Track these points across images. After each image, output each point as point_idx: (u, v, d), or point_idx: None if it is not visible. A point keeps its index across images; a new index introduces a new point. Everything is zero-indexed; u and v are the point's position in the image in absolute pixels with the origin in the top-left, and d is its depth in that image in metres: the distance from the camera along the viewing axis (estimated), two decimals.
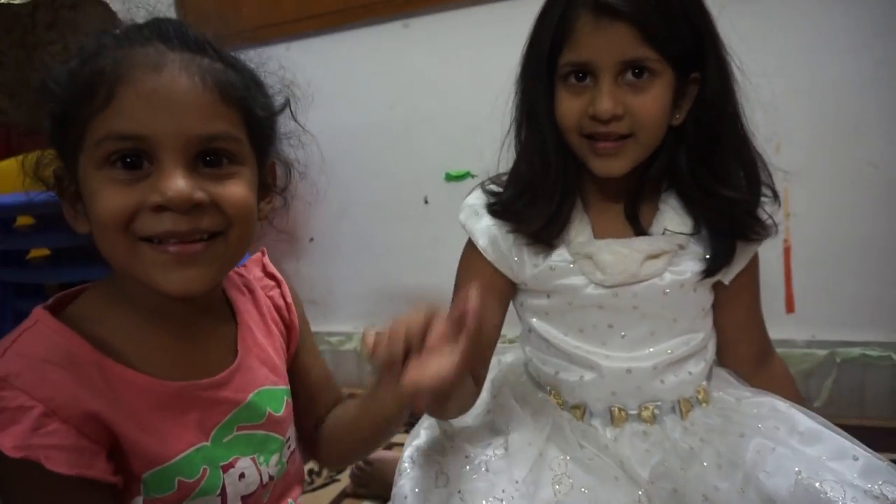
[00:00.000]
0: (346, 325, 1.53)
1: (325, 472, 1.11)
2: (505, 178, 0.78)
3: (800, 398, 0.78)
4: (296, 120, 0.62)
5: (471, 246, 0.78)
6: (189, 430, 0.54)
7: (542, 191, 0.73)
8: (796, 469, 0.67)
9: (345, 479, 1.06)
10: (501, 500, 0.67)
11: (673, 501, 0.68)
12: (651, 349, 0.74)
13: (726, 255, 0.74)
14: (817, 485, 0.66)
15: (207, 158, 0.50)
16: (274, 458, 0.60)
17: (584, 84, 0.69)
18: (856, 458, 0.69)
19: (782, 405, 0.77)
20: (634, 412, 0.73)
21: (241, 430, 0.57)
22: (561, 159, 0.72)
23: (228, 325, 0.61)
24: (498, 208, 0.76)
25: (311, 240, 1.52)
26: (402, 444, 0.80)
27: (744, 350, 0.81)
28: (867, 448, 0.70)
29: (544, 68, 0.71)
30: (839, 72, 1.11)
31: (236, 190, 0.51)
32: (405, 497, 0.70)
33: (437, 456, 0.75)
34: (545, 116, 0.71)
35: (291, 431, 0.64)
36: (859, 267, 1.14)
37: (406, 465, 0.75)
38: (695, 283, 0.74)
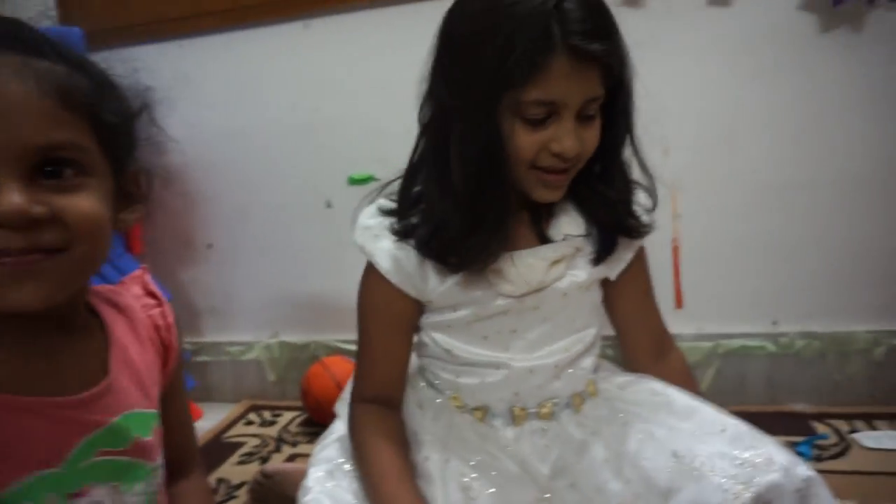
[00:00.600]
0: (248, 334, 1.48)
1: (222, 488, 1.07)
2: (393, 196, 0.76)
3: (698, 389, 0.82)
4: (156, 125, 0.57)
5: (372, 270, 0.75)
6: (35, 454, 0.49)
7: (484, 223, 0.70)
8: (673, 450, 0.72)
9: (244, 494, 1.03)
10: None
11: (572, 496, 0.71)
12: (551, 348, 0.76)
13: (608, 248, 0.77)
14: (691, 461, 0.71)
15: (48, 169, 0.46)
16: (138, 487, 0.56)
17: (544, 119, 0.67)
18: (723, 430, 0.75)
19: (659, 386, 0.81)
20: (534, 410, 0.75)
21: (102, 456, 0.53)
22: (505, 191, 0.70)
23: (94, 342, 0.56)
24: (424, 244, 0.72)
25: (209, 246, 1.46)
26: (305, 455, 0.79)
27: (640, 343, 0.84)
28: (734, 416, 0.76)
29: (496, 99, 0.67)
30: (722, 78, 1.20)
31: (82, 203, 0.47)
32: None
33: (348, 466, 0.74)
34: (492, 148, 0.67)
35: (162, 459, 0.60)
36: (740, 264, 1.23)
37: (319, 475, 0.73)
38: (589, 282, 0.77)
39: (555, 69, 0.64)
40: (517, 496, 0.69)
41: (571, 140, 0.67)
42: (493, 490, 0.69)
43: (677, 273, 1.24)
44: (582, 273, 0.77)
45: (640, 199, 0.78)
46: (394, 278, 0.73)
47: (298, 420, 1.34)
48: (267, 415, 1.38)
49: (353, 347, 1.39)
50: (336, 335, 1.41)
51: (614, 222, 0.77)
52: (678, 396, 0.80)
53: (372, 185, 1.30)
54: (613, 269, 0.80)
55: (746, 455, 0.71)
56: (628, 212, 0.78)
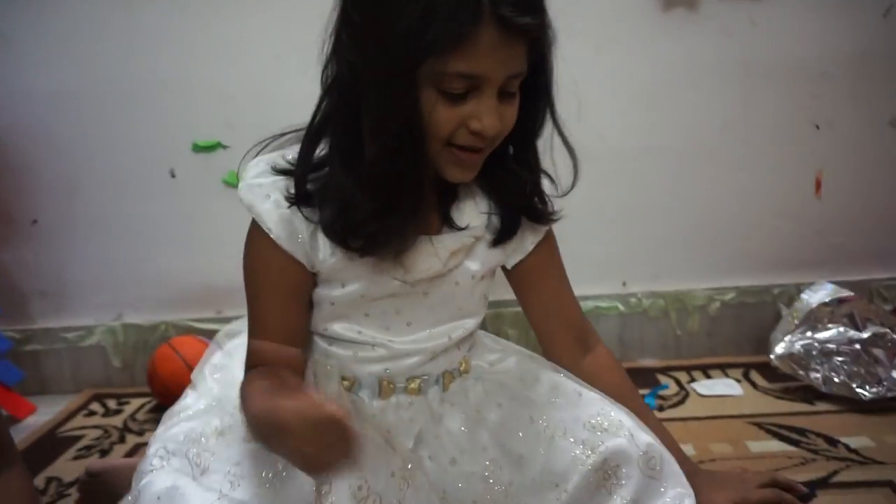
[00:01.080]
0: (87, 317, 1.34)
1: (52, 488, 0.97)
2: (292, 157, 0.68)
3: (629, 384, 0.83)
4: None
5: (259, 233, 0.67)
6: None
7: (398, 207, 0.64)
8: (529, 416, 0.74)
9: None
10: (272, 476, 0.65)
11: (431, 466, 0.71)
12: (432, 331, 0.74)
13: (511, 231, 0.75)
14: (544, 427, 0.73)
15: None
16: None
17: (464, 94, 0.62)
18: (579, 395, 0.78)
19: (523, 358, 0.83)
20: (402, 385, 0.73)
21: None
22: (421, 171, 0.65)
23: None
24: (329, 226, 0.66)
25: (35, 222, 1.30)
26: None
27: (561, 339, 0.82)
28: (585, 384, 0.79)
29: (415, 67, 0.60)
30: (570, 50, 1.22)
31: None
32: (157, 497, 0.62)
33: (196, 449, 0.68)
34: (412, 122, 0.62)
35: None
36: (593, 229, 1.28)
37: (157, 460, 0.67)
38: (483, 272, 0.75)
39: (481, 41, 0.59)
40: (381, 466, 0.67)
41: (492, 118, 0.63)
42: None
43: None
44: (476, 263, 0.74)
45: (545, 185, 0.76)
46: (285, 244, 0.67)
47: (148, 407, 1.24)
48: (112, 404, 1.27)
49: (207, 326, 1.32)
50: (188, 314, 1.32)
51: (523, 205, 0.74)
52: (534, 367, 0.81)
53: (219, 153, 1.25)
54: (512, 257, 0.78)
55: (596, 420, 0.74)
56: (539, 195, 0.75)
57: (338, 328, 0.72)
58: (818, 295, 1.20)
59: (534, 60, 0.65)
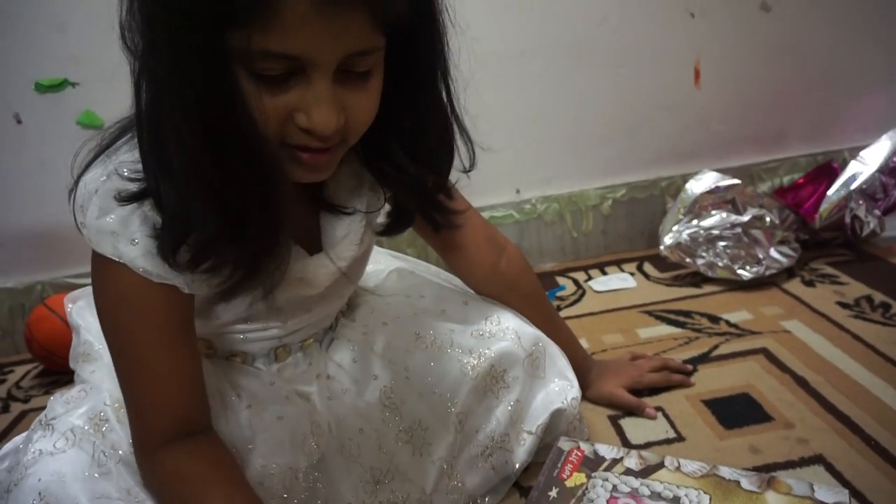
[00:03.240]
0: None
1: None
2: (128, 169, 0.52)
3: (539, 282, 0.84)
4: None
5: (118, 270, 0.53)
6: None
7: (255, 221, 0.51)
8: (414, 332, 0.73)
9: None
10: None
11: (329, 405, 0.69)
12: (327, 308, 0.70)
13: (401, 226, 0.66)
14: (431, 340, 0.72)
15: None
16: None
17: (285, 77, 0.47)
18: (465, 303, 0.78)
19: (404, 274, 0.82)
20: (297, 346, 0.70)
21: None
22: (269, 174, 0.50)
23: None
24: (169, 253, 0.51)
25: None
26: (40, 409, 0.65)
27: (471, 251, 0.77)
28: (473, 293, 0.79)
29: (217, 39, 0.45)
30: None
31: None
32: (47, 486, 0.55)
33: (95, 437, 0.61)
34: (222, 115, 0.46)
35: None
36: (483, 139, 1.25)
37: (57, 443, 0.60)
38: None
39: (290, 9, 0.44)
40: (292, 416, 0.65)
41: (325, 111, 0.48)
42: (272, 417, 0.64)
43: None
44: (366, 244, 0.68)
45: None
46: (155, 277, 0.53)
47: (33, 374, 1.17)
48: None
49: (86, 281, 1.24)
50: (65, 270, 1.22)
51: (416, 201, 0.64)
52: (421, 281, 0.80)
53: (68, 92, 1.14)
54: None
55: (482, 327, 0.74)
56: (433, 197, 0.64)
57: (223, 321, 0.63)
58: (701, 183, 1.23)
59: (398, 25, 0.50)
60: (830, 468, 0.68)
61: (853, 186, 1.20)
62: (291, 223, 0.55)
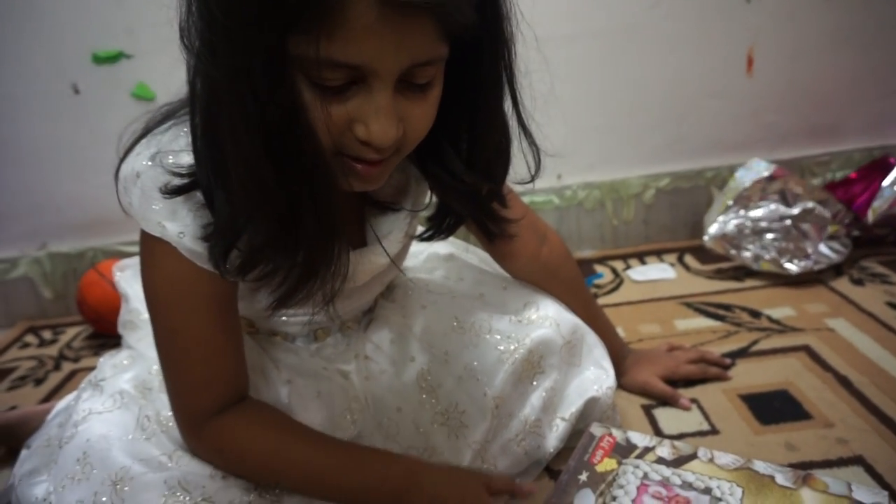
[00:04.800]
0: (10, 249, 1.29)
1: None
2: (174, 158, 0.52)
3: (579, 270, 0.83)
4: None
5: (168, 250, 0.53)
6: None
7: (310, 229, 0.50)
8: (454, 315, 0.73)
9: None
10: None
11: (365, 386, 0.70)
12: (367, 297, 0.71)
13: (450, 230, 0.65)
14: (469, 326, 0.73)
15: None
16: None
17: (346, 87, 0.46)
18: (505, 288, 0.78)
19: (443, 258, 0.82)
20: (336, 327, 0.71)
21: None
22: (325, 183, 0.49)
23: None
24: (220, 259, 0.52)
25: None
26: (89, 369, 0.69)
27: (527, 238, 0.76)
28: (511, 278, 0.79)
29: (277, 46, 0.44)
30: None
31: None
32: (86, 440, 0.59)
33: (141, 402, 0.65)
34: (295, 124, 0.46)
35: None
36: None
37: (105, 403, 0.64)
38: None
39: (355, 17, 0.43)
40: (331, 393, 0.67)
41: (383, 123, 0.47)
42: (311, 393, 0.66)
43: None
44: (408, 239, 0.67)
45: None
46: (201, 262, 0.54)
47: (84, 335, 1.22)
48: (47, 334, 1.25)
49: (134, 249, 1.28)
50: (114, 238, 1.27)
51: (469, 210, 0.63)
52: (467, 265, 0.80)
53: (124, 63, 1.17)
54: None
55: (519, 312, 0.74)
56: (487, 206, 0.62)
57: (264, 306, 0.61)
58: (750, 173, 1.20)
59: (462, 35, 0.48)
60: (870, 470, 0.66)
61: None
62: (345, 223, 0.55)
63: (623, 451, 0.64)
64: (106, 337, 1.17)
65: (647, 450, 0.63)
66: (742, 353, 0.89)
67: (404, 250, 0.70)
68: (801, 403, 0.78)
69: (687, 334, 0.96)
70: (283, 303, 0.55)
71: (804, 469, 0.66)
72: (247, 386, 0.61)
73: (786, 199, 1.16)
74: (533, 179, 0.62)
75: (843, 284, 1.06)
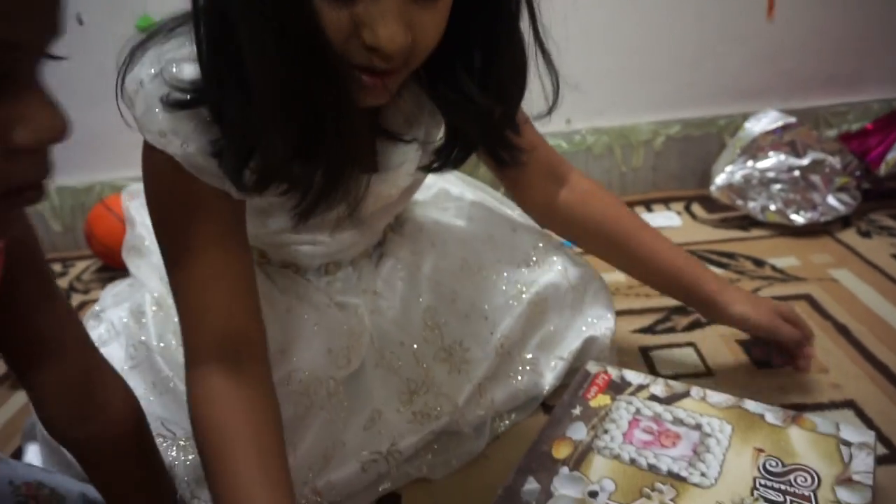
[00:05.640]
0: None
1: None
2: (176, 67, 0.50)
3: (617, 201, 0.75)
4: None
5: (168, 164, 0.51)
6: None
7: (330, 139, 0.49)
8: (462, 258, 0.74)
9: None
10: None
11: (373, 321, 0.70)
12: (376, 226, 0.70)
13: (460, 158, 0.61)
14: (478, 269, 0.74)
15: None
16: None
17: None
18: (514, 230, 0.78)
19: (453, 189, 0.82)
20: (348, 261, 0.71)
21: None
22: (344, 88, 0.47)
23: None
24: (235, 174, 0.50)
25: None
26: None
27: (529, 180, 0.71)
28: (526, 218, 0.79)
29: None
30: None
31: None
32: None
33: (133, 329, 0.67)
34: (307, 27, 0.44)
35: None
36: (534, 66, 1.22)
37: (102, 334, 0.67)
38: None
39: None
40: (337, 324, 0.67)
41: (391, 27, 0.45)
42: (315, 327, 0.66)
43: None
44: (424, 161, 0.63)
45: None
46: (207, 178, 0.51)
47: (93, 268, 1.24)
48: (57, 267, 1.26)
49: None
50: (122, 172, 1.27)
51: (479, 134, 0.59)
52: (474, 202, 0.80)
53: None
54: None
55: (530, 257, 0.75)
56: (499, 131, 0.59)
57: (271, 230, 0.62)
58: (762, 123, 1.18)
59: None
60: (860, 413, 0.67)
61: None
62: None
63: (617, 388, 0.65)
64: (115, 270, 1.18)
65: (641, 387, 0.65)
66: None
67: (416, 183, 0.68)
68: None
69: None
70: (300, 221, 0.53)
71: (795, 411, 0.68)
72: (258, 340, 0.55)
73: (796, 150, 1.14)
74: (551, 111, 0.60)
75: (849, 236, 1.06)
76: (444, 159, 0.61)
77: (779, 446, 0.56)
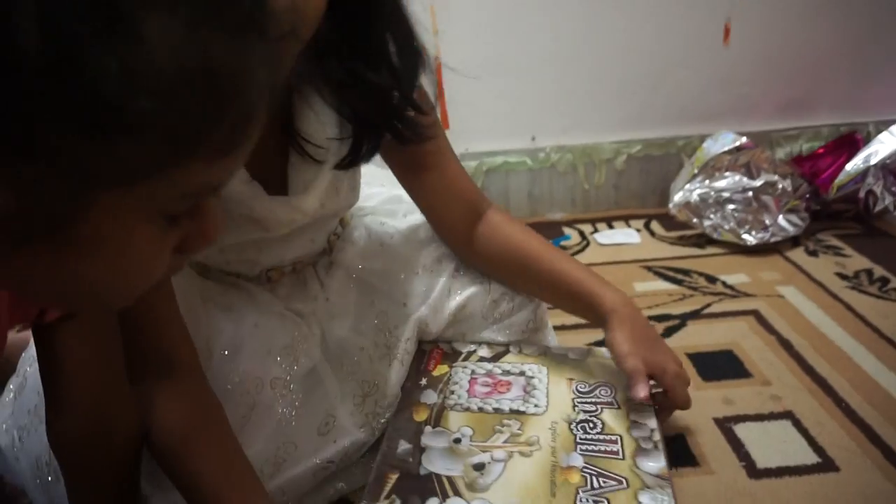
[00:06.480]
0: None
1: None
2: None
3: (525, 228, 0.75)
4: None
5: None
6: None
7: None
8: (407, 259, 0.75)
9: None
10: None
11: (334, 327, 0.71)
12: (309, 238, 0.71)
13: (367, 153, 0.62)
14: (428, 269, 0.75)
15: None
16: None
17: None
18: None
19: (405, 196, 0.82)
20: (289, 268, 0.72)
21: None
22: None
23: None
24: None
25: None
26: None
27: (450, 214, 0.72)
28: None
29: None
30: None
31: None
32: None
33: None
34: None
35: None
36: (501, 84, 1.25)
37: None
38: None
39: None
40: (279, 329, 0.68)
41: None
42: (255, 326, 0.66)
43: (442, 93, 1.24)
44: (343, 191, 0.67)
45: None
46: None
47: None
48: None
49: None
50: None
51: (380, 116, 0.60)
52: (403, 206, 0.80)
53: None
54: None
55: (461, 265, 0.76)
56: (410, 104, 0.60)
57: (201, 258, 0.67)
58: (718, 144, 1.22)
59: None
60: (797, 424, 0.70)
61: (874, 161, 1.19)
62: (253, 159, 0.51)
63: (451, 357, 0.73)
64: None
65: (471, 353, 0.74)
66: (694, 315, 0.93)
67: (347, 193, 0.69)
68: (742, 363, 0.82)
69: (644, 296, 1.00)
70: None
71: (737, 422, 0.71)
72: (190, 357, 0.56)
73: (750, 172, 1.19)
74: (408, 86, 0.59)
75: (797, 254, 1.10)
76: (354, 155, 0.62)
77: (583, 373, 0.70)
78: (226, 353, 0.63)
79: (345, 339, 0.70)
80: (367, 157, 0.64)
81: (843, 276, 1.01)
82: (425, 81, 0.63)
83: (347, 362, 0.70)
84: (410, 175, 0.71)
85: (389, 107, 0.59)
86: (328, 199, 0.65)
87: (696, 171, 1.21)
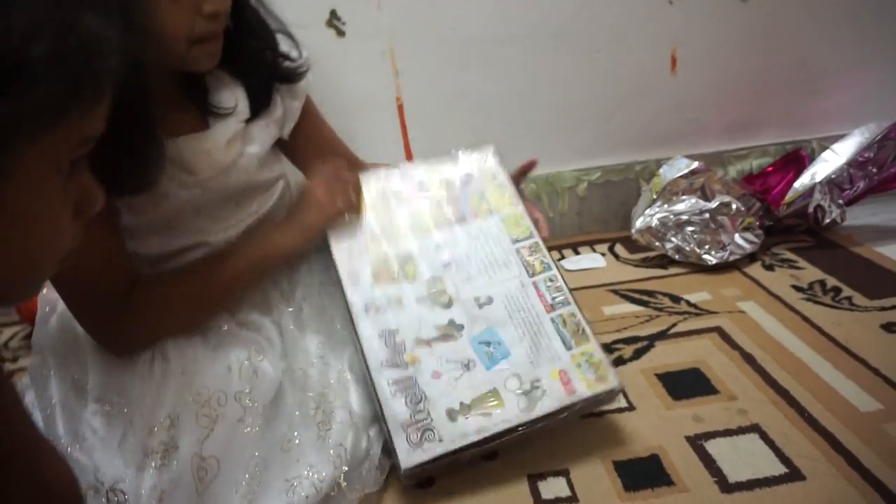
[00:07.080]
0: None
1: None
2: None
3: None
4: None
5: None
6: None
7: None
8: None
9: None
10: None
11: (289, 346, 0.75)
12: (240, 215, 0.75)
13: (265, 98, 0.76)
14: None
15: None
16: None
17: None
18: None
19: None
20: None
21: None
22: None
23: None
24: None
25: None
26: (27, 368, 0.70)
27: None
28: None
29: None
30: None
31: None
32: None
33: None
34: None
35: None
36: (461, 118, 1.29)
37: None
38: (265, 151, 0.77)
39: None
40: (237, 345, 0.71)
41: None
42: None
43: (405, 131, 1.27)
44: (256, 146, 0.75)
45: (284, 45, 0.77)
46: None
47: (22, 335, 1.21)
48: None
49: None
50: None
51: (269, 71, 0.75)
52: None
53: None
54: (286, 126, 0.79)
55: None
56: (278, 55, 0.76)
57: (153, 247, 0.72)
58: (674, 169, 1.27)
59: None
60: (764, 436, 0.73)
61: (820, 177, 1.25)
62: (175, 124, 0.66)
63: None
64: None
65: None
66: (661, 336, 0.96)
67: (252, 164, 0.76)
68: (709, 380, 0.85)
69: (613, 319, 1.03)
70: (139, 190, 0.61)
71: (707, 438, 0.74)
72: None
73: (705, 194, 1.24)
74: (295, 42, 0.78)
75: (755, 269, 1.15)
76: (256, 102, 0.75)
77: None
78: (184, 373, 0.66)
79: (297, 357, 0.74)
80: (263, 108, 0.76)
81: (798, 289, 1.06)
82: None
83: (300, 377, 0.72)
84: (304, 152, 0.84)
85: (266, 61, 0.75)
86: (245, 146, 0.74)
87: (654, 196, 1.26)
